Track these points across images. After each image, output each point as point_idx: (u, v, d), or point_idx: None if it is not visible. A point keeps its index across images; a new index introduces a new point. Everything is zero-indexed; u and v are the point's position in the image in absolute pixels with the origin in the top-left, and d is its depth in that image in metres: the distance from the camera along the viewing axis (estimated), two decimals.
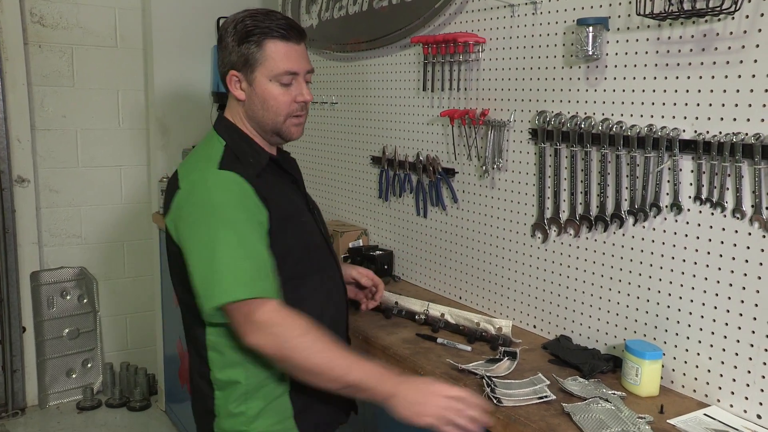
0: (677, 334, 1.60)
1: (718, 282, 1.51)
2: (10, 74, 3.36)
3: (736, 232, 1.47)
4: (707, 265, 1.53)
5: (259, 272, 1.39)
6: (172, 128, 3.67)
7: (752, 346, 1.45)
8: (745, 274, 1.45)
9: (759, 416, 1.44)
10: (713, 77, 1.49)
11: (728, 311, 1.49)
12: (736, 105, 1.44)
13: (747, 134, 1.42)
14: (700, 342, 1.55)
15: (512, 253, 2.05)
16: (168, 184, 1.56)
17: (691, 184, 1.55)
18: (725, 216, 1.49)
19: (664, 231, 1.62)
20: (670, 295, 1.61)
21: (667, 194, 1.60)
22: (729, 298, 1.49)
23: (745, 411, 1.46)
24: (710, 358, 1.53)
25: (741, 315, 1.47)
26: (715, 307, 1.52)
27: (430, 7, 2.23)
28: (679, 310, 1.59)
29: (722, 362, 1.51)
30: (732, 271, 1.48)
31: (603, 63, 1.73)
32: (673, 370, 1.61)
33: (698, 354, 1.56)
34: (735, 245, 1.47)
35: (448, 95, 2.24)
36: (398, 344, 1.87)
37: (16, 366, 3.52)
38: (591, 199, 1.79)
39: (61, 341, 3.67)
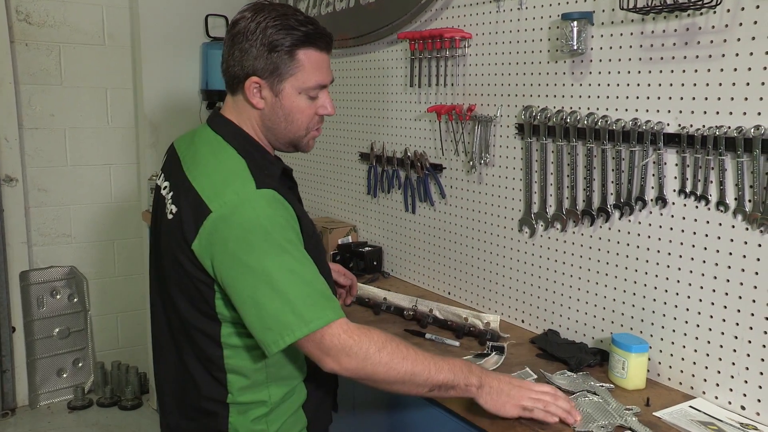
0: (663, 327, 1.61)
1: (703, 275, 1.52)
2: None
3: (720, 224, 1.48)
4: (692, 258, 1.54)
5: (325, 293, 1.29)
6: (161, 126, 3.65)
7: (736, 338, 1.45)
8: (729, 267, 1.46)
9: (743, 407, 1.45)
10: (696, 71, 1.49)
11: (713, 304, 1.50)
12: (719, 98, 1.45)
13: (730, 127, 1.43)
14: (685, 335, 1.56)
15: (500, 248, 2.05)
16: (189, 203, 1.32)
17: (675, 177, 1.56)
18: (709, 209, 1.50)
19: (650, 224, 1.63)
20: (656, 288, 1.62)
21: (652, 188, 1.61)
22: (714, 290, 1.50)
23: (730, 402, 1.47)
24: (695, 351, 1.54)
25: (725, 307, 1.48)
26: (700, 300, 1.52)
27: (417, 2, 2.23)
28: (665, 303, 1.60)
29: (707, 354, 1.52)
30: (716, 264, 1.49)
31: (588, 57, 1.73)
32: (660, 362, 1.62)
33: (684, 347, 1.57)
34: (719, 238, 1.48)
35: (435, 91, 2.24)
36: None
37: (6, 366, 3.50)
38: (577, 194, 1.79)
39: (52, 341, 3.65)
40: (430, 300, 2.09)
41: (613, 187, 1.70)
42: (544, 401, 1.36)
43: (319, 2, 2.78)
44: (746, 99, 1.40)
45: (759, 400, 1.42)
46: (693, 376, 1.55)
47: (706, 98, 1.47)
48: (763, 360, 1.41)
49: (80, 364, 3.76)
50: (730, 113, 1.43)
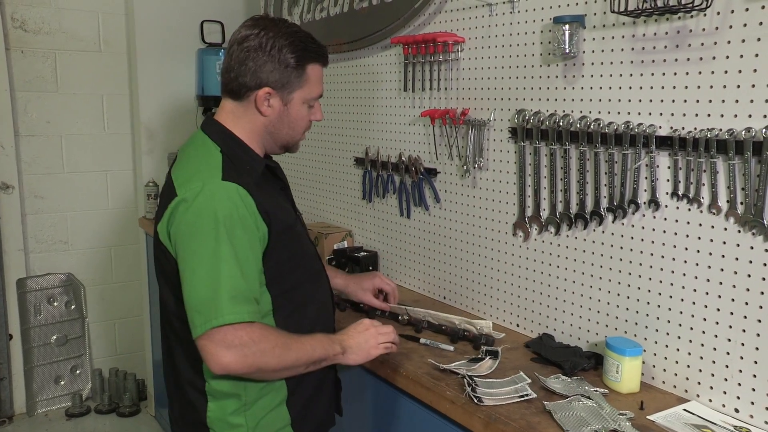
0: (657, 331, 1.61)
1: (696, 278, 1.51)
2: None
3: (713, 227, 1.47)
4: (685, 261, 1.53)
5: (251, 294, 1.38)
6: (157, 132, 3.66)
7: (729, 341, 1.45)
8: (722, 270, 1.46)
9: (737, 410, 1.44)
10: (687, 73, 1.49)
11: (706, 306, 1.50)
12: (710, 101, 1.45)
13: (721, 130, 1.42)
14: (679, 338, 1.56)
15: (494, 252, 2.05)
16: (163, 189, 1.53)
17: (668, 180, 1.56)
18: (702, 212, 1.49)
19: (643, 228, 1.62)
20: (649, 291, 1.62)
21: (645, 191, 1.61)
22: (707, 293, 1.49)
23: (724, 405, 1.47)
24: (689, 354, 1.54)
25: (718, 310, 1.47)
26: (694, 303, 1.52)
27: (410, 7, 2.24)
28: (659, 306, 1.60)
29: (701, 357, 1.51)
30: (709, 267, 1.48)
31: (580, 61, 1.73)
32: (654, 366, 1.62)
33: (678, 350, 1.56)
34: (712, 240, 1.48)
35: (428, 95, 2.24)
36: None
37: (3, 374, 3.49)
38: (571, 197, 1.79)
39: (49, 348, 3.65)
40: (426, 305, 2.09)
41: (606, 191, 1.69)
42: (386, 335, 1.61)
43: (313, 7, 2.78)
44: (737, 101, 1.40)
45: (752, 403, 1.41)
46: (687, 379, 1.54)
47: (698, 101, 1.47)
48: (756, 363, 1.41)
49: (78, 372, 3.75)
50: (721, 115, 1.43)
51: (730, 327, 1.45)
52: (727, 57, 1.41)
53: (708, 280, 1.49)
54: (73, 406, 3.64)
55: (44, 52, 3.49)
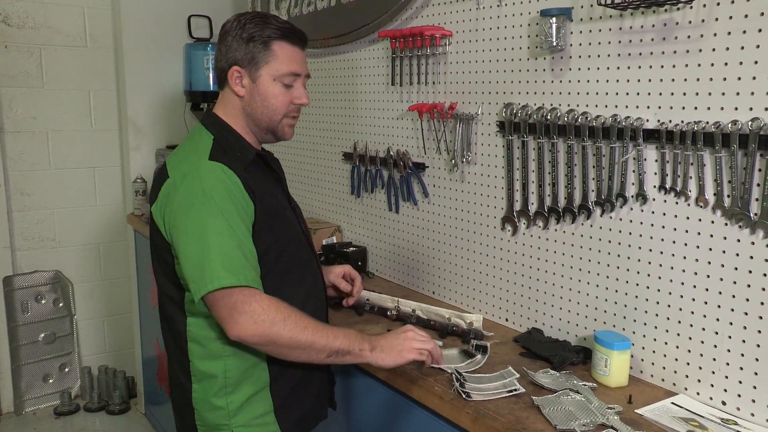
0: (645, 324, 1.61)
1: (684, 271, 1.51)
2: None
3: (700, 220, 1.47)
4: (672, 254, 1.53)
5: (248, 262, 1.41)
6: (145, 128, 3.63)
7: (716, 333, 1.45)
8: (709, 262, 1.46)
9: (724, 402, 1.45)
10: (674, 66, 1.49)
11: (694, 300, 1.49)
12: (697, 94, 1.44)
13: (708, 123, 1.42)
14: (667, 331, 1.56)
15: (483, 247, 2.04)
16: (156, 174, 1.59)
17: (655, 173, 1.55)
18: (689, 205, 1.49)
19: (631, 221, 1.62)
20: (637, 285, 1.62)
21: (633, 184, 1.60)
22: (694, 286, 1.49)
23: (711, 398, 1.47)
24: (677, 347, 1.54)
25: (706, 303, 1.47)
26: (681, 296, 1.52)
27: (397, 1, 2.22)
28: (647, 299, 1.60)
29: (689, 351, 1.51)
30: (696, 260, 1.48)
31: (567, 54, 1.72)
32: (642, 359, 1.62)
33: (666, 343, 1.56)
34: (699, 234, 1.48)
35: (416, 89, 2.23)
36: None
37: None
38: (559, 191, 1.78)
39: (37, 346, 3.62)
40: (415, 299, 2.08)
41: (594, 184, 1.69)
42: (425, 342, 1.55)
43: (300, 2, 2.76)
44: (723, 94, 1.39)
45: (739, 395, 1.42)
46: (675, 372, 1.54)
47: (684, 93, 1.47)
48: (743, 355, 1.41)
49: (66, 369, 3.73)
50: (708, 108, 1.43)
51: (718, 320, 1.45)
52: (714, 50, 1.40)
53: (695, 273, 1.49)
54: (62, 404, 3.62)
55: (29, 47, 3.46)
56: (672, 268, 1.54)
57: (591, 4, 1.64)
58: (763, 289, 1.37)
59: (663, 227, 1.55)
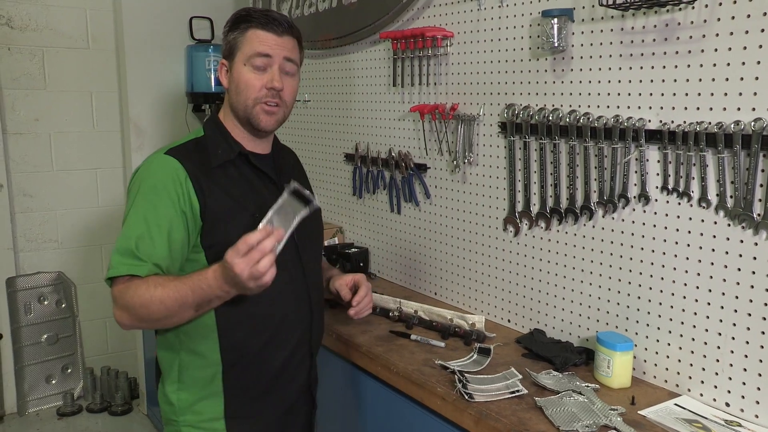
0: (648, 325, 1.60)
1: (686, 272, 1.51)
2: None
3: (703, 221, 1.47)
4: (675, 255, 1.53)
5: (134, 253, 1.39)
6: (147, 129, 3.63)
7: (720, 335, 1.45)
8: (712, 263, 1.45)
9: (727, 404, 1.44)
10: (676, 66, 1.48)
11: (696, 301, 1.49)
12: (699, 94, 1.44)
13: (710, 123, 1.42)
14: (670, 332, 1.55)
15: (485, 248, 2.04)
16: None
17: (657, 174, 1.55)
18: (692, 205, 1.49)
19: (633, 222, 1.62)
20: (640, 285, 1.61)
21: (635, 185, 1.60)
22: (697, 287, 1.49)
23: (714, 400, 1.47)
24: (680, 348, 1.53)
25: (709, 304, 1.47)
26: (684, 297, 1.52)
27: (398, 1, 2.22)
28: (650, 300, 1.59)
29: (692, 352, 1.51)
30: (699, 261, 1.48)
31: (569, 54, 1.72)
32: (645, 360, 1.61)
33: (669, 344, 1.56)
34: (702, 234, 1.47)
35: (418, 90, 2.23)
36: (372, 342, 1.86)
37: None
38: (561, 192, 1.78)
39: (40, 347, 3.62)
40: (417, 301, 2.08)
41: (596, 185, 1.69)
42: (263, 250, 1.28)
43: (302, 3, 2.76)
44: (725, 94, 1.39)
45: (743, 397, 1.41)
46: (678, 373, 1.54)
47: (687, 94, 1.47)
48: (747, 356, 1.40)
49: (69, 370, 3.73)
50: (710, 109, 1.42)
51: (721, 321, 1.44)
52: (716, 50, 1.40)
53: (698, 274, 1.48)
54: (64, 405, 3.62)
55: (32, 49, 3.46)
56: (675, 268, 1.53)
57: (592, 4, 1.64)
58: (767, 290, 1.36)
59: (665, 228, 1.54)
